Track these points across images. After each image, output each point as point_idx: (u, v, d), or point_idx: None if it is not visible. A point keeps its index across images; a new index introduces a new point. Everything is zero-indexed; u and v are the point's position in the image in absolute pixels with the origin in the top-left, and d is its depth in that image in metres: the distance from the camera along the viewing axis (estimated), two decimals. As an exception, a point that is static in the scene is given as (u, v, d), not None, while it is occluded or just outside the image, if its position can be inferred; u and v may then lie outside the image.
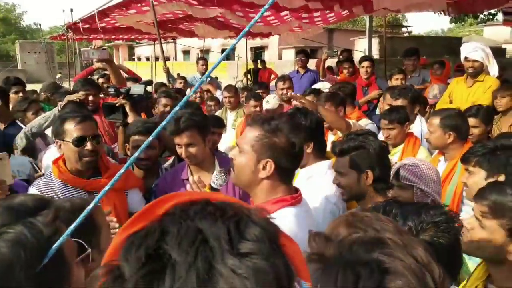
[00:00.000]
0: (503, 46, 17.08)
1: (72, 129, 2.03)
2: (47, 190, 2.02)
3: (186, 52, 25.86)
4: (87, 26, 8.18)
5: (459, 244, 1.16)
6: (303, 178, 2.13)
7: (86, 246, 1.09)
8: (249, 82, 12.39)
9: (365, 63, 5.44)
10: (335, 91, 3.69)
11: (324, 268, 0.68)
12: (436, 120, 2.69)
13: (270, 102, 3.89)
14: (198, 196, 0.58)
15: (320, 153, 2.20)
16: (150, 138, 1.08)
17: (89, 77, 4.46)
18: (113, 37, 10.14)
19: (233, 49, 22.65)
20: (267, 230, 0.53)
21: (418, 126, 3.47)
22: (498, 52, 13.88)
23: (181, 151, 2.22)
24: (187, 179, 2.31)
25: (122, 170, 1.02)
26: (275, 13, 7.03)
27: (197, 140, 2.20)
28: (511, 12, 7.37)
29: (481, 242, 1.37)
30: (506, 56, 15.24)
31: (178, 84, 5.88)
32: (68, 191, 2.06)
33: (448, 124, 2.65)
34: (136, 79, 6.08)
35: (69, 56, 10.06)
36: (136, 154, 1.14)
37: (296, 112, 2.26)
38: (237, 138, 4.58)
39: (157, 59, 23.71)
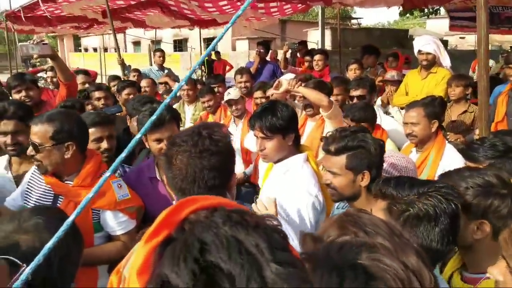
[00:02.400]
0: (445, 38, 18.03)
1: None
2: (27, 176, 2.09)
3: (137, 43, 25.01)
4: (29, 14, 7.67)
5: (459, 211, 1.23)
6: (279, 172, 2.08)
7: (19, 262, 0.99)
8: (203, 73, 12.20)
9: (317, 56, 5.58)
10: (322, 81, 3.69)
11: (312, 268, 0.71)
12: (419, 111, 2.68)
13: (232, 93, 3.82)
14: (209, 201, 0.62)
15: (297, 146, 2.15)
16: (140, 134, 0.96)
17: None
18: (59, 28, 9.55)
19: (185, 39, 22.23)
20: (284, 238, 0.59)
21: (377, 116, 3.55)
22: (441, 44, 14.64)
23: (161, 146, 2.09)
24: (155, 177, 2.21)
25: (105, 177, 0.92)
26: (232, 2, 6.91)
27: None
28: (457, 16, 7.76)
29: None
30: (448, 47, 16.10)
31: (132, 77, 5.65)
32: (42, 185, 2.00)
33: (431, 113, 2.66)
34: (87, 71, 5.78)
35: (9, 47, 9.41)
36: (125, 151, 1.03)
37: (276, 103, 2.14)
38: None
39: (105, 50, 22.75)
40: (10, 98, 3.67)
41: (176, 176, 1.21)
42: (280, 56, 7.25)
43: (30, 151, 1.91)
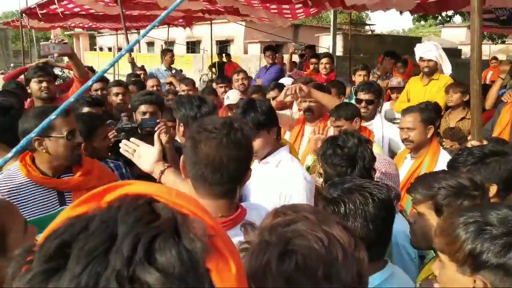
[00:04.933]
0: (459, 47, 17.85)
1: (61, 123, 1.90)
2: (13, 191, 1.87)
3: (150, 44, 25.29)
4: (44, 11, 7.84)
5: (380, 214, 1.26)
6: (272, 165, 2.13)
7: None
8: (214, 76, 12.31)
9: (324, 60, 5.59)
10: (321, 84, 3.76)
11: (251, 251, 0.76)
12: (415, 116, 2.72)
13: (231, 97, 3.88)
14: (154, 191, 0.53)
15: (278, 139, 2.22)
16: (33, 133, 1.03)
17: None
18: (72, 24, 9.73)
19: (198, 41, 22.39)
20: (189, 253, 0.46)
21: (379, 121, 3.52)
22: (454, 52, 14.47)
23: None
24: None
25: (14, 149, 0.98)
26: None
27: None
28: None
29: (423, 230, 1.45)
30: (462, 57, 15.93)
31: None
32: (39, 191, 1.93)
33: (427, 118, 2.71)
34: (93, 69, 5.90)
35: (23, 44, 9.60)
36: (14, 149, 1.09)
37: (254, 100, 2.21)
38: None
39: (119, 49, 22.97)
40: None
41: (201, 162, 1.22)
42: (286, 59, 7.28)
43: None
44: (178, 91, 5.24)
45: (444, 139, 3.54)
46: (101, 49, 29.26)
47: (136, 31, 20.21)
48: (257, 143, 2.06)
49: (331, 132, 3.21)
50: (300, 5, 7.08)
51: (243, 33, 19.47)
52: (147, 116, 2.71)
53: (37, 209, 1.88)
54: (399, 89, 4.63)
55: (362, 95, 3.46)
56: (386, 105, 4.74)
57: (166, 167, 1.64)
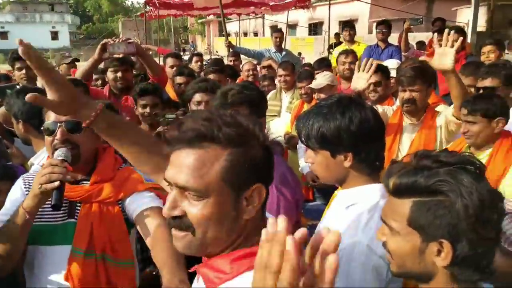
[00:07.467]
0: None
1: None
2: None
3: (274, 28, 25.50)
4: (163, 1, 8.24)
5: None
6: (341, 203, 1.42)
7: None
8: (329, 56, 11.65)
9: (454, 35, 4.49)
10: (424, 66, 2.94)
11: None
12: None
13: (318, 79, 3.36)
14: None
15: (369, 170, 1.37)
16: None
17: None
18: (189, 13, 10.14)
19: (320, 23, 21.69)
20: None
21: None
22: None
23: None
24: None
25: None
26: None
27: None
28: None
29: None
30: None
31: (228, 62, 5.47)
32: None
33: None
34: (178, 55, 5.68)
35: (146, 32, 10.37)
36: None
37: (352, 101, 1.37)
38: (291, 123, 4.11)
39: (245, 34, 23.68)
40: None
41: None
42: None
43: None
44: (273, 77, 4.84)
45: None
46: (228, 34, 30.66)
47: (260, 15, 20.53)
48: (316, 160, 1.40)
49: (451, 127, 2.46)
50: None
51: (368, 12, 18.14)
52: (201, 107, 2.35)
53: (42, 216, 1.55)
54: None
55: (480, 82, 2.60)
56: None
57: None
